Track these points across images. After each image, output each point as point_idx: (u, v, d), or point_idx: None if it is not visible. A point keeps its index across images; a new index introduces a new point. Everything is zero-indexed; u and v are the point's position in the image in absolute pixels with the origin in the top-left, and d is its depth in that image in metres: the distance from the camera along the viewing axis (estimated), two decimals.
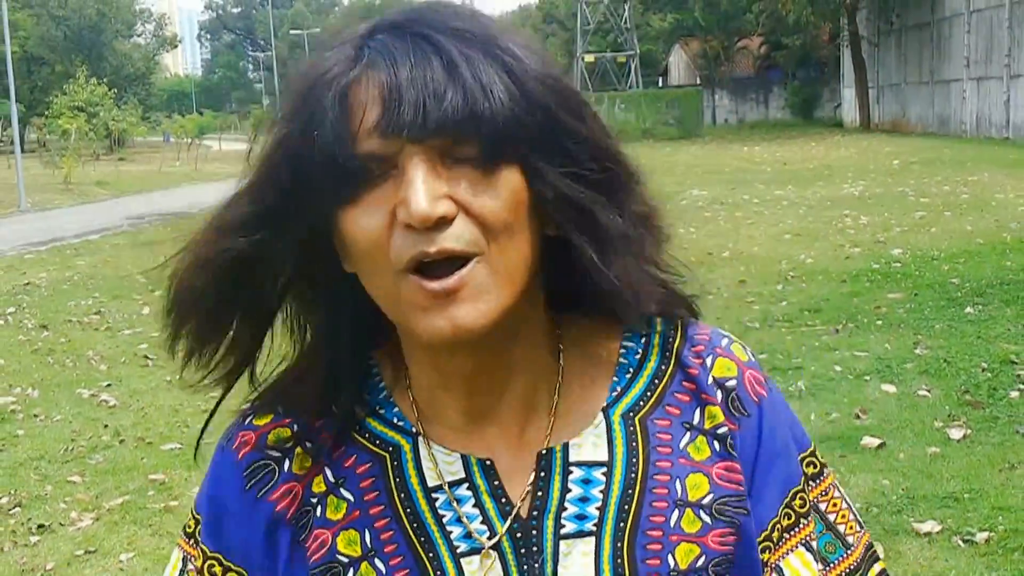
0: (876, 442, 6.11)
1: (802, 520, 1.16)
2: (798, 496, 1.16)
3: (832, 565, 1.19)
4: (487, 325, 1.00)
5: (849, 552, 1.21)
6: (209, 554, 1.17)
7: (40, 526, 5.68)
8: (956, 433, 6.16)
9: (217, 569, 1.16)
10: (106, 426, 7.52)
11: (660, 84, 69.50)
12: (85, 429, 7.48)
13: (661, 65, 72.12)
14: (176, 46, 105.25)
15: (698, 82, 64.48)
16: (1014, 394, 6.78)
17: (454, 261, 0.98)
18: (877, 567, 1.23)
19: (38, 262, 17.71)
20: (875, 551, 1.25)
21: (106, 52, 77.05)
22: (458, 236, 0.97)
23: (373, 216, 0.99)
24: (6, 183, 35.67)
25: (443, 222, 0.97)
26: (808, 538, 1.16)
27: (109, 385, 8.72)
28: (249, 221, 1.07)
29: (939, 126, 40.13)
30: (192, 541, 1.21)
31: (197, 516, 1.21)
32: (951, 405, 6.72)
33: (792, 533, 1.15)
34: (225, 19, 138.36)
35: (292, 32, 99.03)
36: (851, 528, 1.22)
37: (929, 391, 7.03)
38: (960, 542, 4.75)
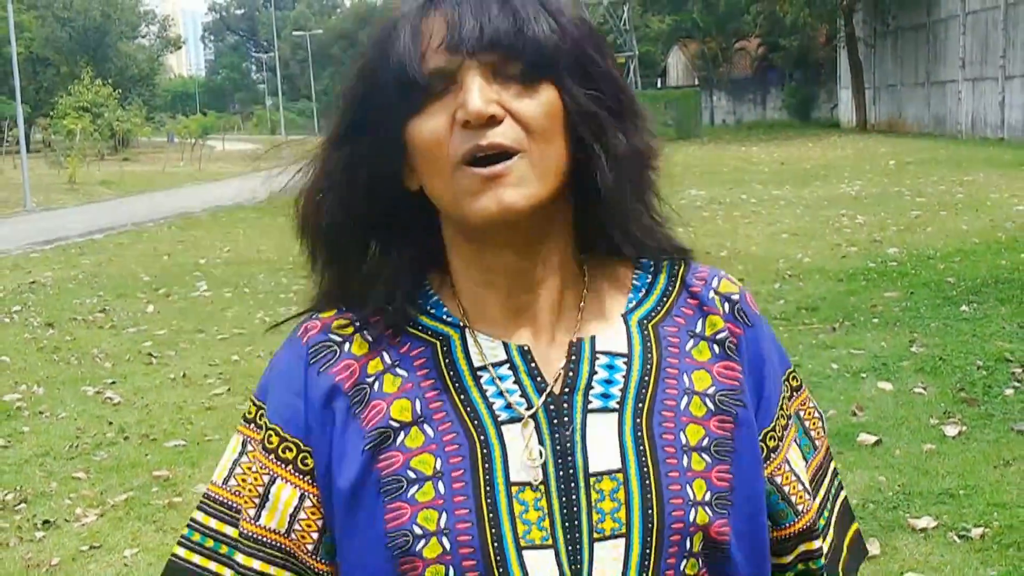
0: (872, 439, 6.11)
1: (789, 424, 1.38)
2: (788, 397, 1.40)
3: (808, 461, 1.42)
4: (526, 208, 1.17)
5: (817, 451, 1.45)
6: (269, 426, 1.30)
7: (45, 522, 5.69)
8: (951, 430, 6.17)
9: (275, 439, 1.29)
10: (110, 423, 7.52)
11: (659, 85, 69.51)
12: (90, 426, 7.49)
13: (660, 66, 72.12)
14: (180, 47, 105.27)
15: (696, 83, 64.46)
16: (1009, 392, 6.79)
17: (501, 156, 1.16)
18: (834, 464, 1.51)
19: (43, 261, 17.72)
20: (831, 452, 1.52)
21: (111, 53, 77.02)
22: (504, 133, 1.16)
23: (437, 120, 1.18)
24: (12, 183, 35.68)
25: (493, 121, 1.16)
26: (795, 439, 1.40)
27: (114, 382, 8.73)
28: (341, 136, 1.27)
29: (935, 127, 40.13)
30: (252, 426, 1.34)
31: (258, 403, 1.35)
32: (947, 402, 6.73)
33: (788, 430, 1.38)
34: (228, 20, 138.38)
35: (295, 33, 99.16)
36: (818, 433, 1.47)
37: (925, 389, 7.04)
38: (955, 538, 4.75)
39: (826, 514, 1.44)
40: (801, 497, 1.37)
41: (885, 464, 5.74)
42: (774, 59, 59.94)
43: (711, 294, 1.34)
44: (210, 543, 1.34)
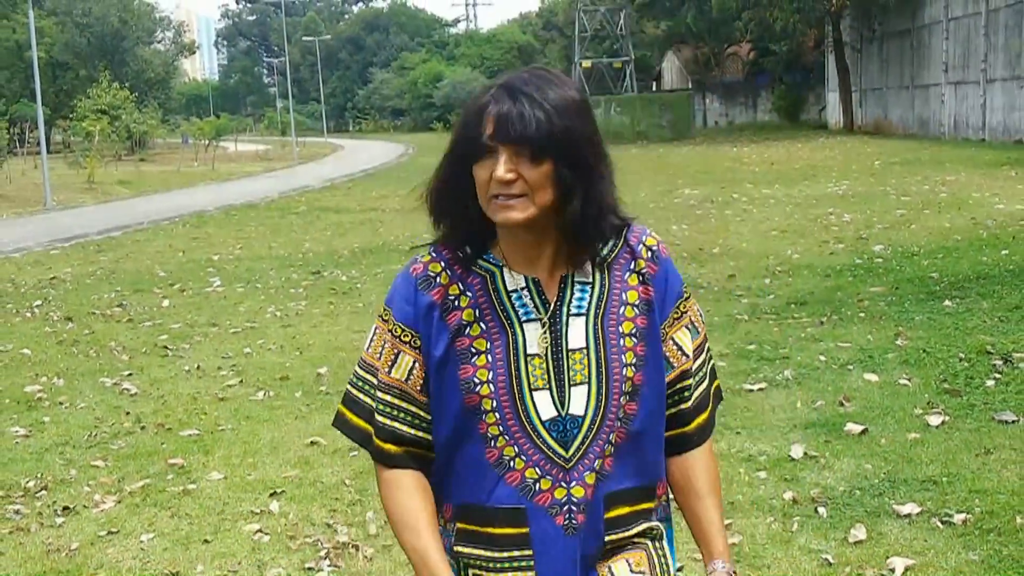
0: (859, 428, 6.11)
1: (683, 316, 2.21)
2: (680, 304, 2.20)
3: (693, 340, 2.22)
4: (523, 221, 2.00)
5: (699, 334, 2.26)
6: (395, 322, 2.14)
7: (65, 508, 5.69)
8: (935, 420, 6.17)
9: (398, 330, 2.13)
10: (128, 413, 7.53)
11: (654, 88, 69.47)
12: (108, 416, 7.49)
13: (655, 70, 72.07)
14: (194, 52, 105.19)
15: (690, 86, 64.44)
16: (990, 383, 6.79)
17: (512, 197, 1.98)
18: (708, 344, 2.30)
19: (63, 258, 17.73)
20: (707, 336, 2.31)
21: (128, 58, 76.97)
22: (517, 186, 1.98)
23: (485, 171, 1.99)
24: (33, 183, 35.70)
25: (510, 181, 1.97)
26: (685, 326, 2.21)
27: (130, 374, 8.74)
28: (449, 159, 2.08)
29: (919, 128, 40.12)
30: (384, 320, 2.16)
31: (387, 308, 2.16)
32: (930, 393, 6.73)
33: (678, 322, 2.20)
34: (241, 26, 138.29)
35: (304, 38, 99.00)
36: (700, 323, 2.26)
37: (909, 380, 7.04)
38: (939, 523, 4.76)
39: (704, 370, 2.26)
40: (677, 358, 2.19)
41: (871, 452, 5.74)
42: (764, 63, 59.88)
43: (640, 247, 2.16)
44: (361, 383, 2.20)
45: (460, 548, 2.12)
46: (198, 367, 8.85)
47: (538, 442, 2.05)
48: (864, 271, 11.32)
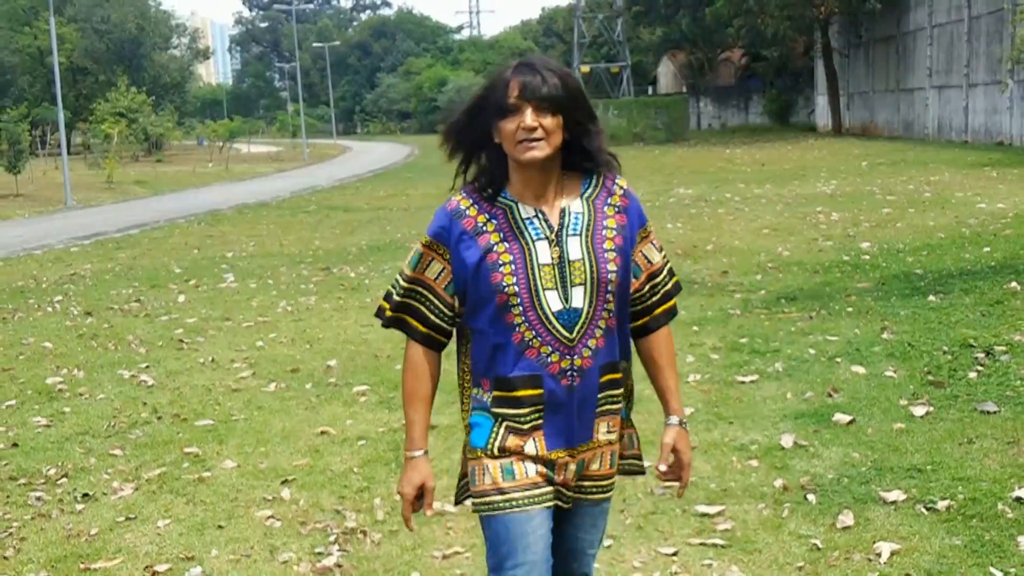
0: (847, 418, 6.10)
1: (647, 236, 2.84)
2: (644, 229, 2.83)
3: (659, 254, 2.87)
4: (542, 158, 2.62)
5: (663, 252, 2.90)
6: (429, 239, 2.74)
7: (85, 495, 5.68)
8: (919, 410, 6.16)
9: (433, 244, 2.74)
10: (145, 404, 7.52)
11: (650, 92, 69.41)
12: (126, 407, 7.49)
13: (651, 75, 72.03)
14: (209, 57, 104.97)
15: (684, 90, 64.40)
16: (972, 375, 6.78)
17: (533, 140, 2.59)
18: (667, 266, 2.93)
19: (83, 254, 17.73)
20: (667, 254, 2.93)
21: (145, 63, 76.92)
22: (537, 131, 2.59)
23: (512, 124, 2.60)
24: (54, 183, 35.70)
25: (534, 128, 2.58)
26: (651, 243, 2.85)
27: (147, 366, 8.73)
28: (468, 114, 2.71)
29: (904, 130, 40.10)
30: (423, 243, 2.75)
31: (426, 234, 2.75)
32: (915, 385, 6.72)
33: (645, 240, 2.83)
34: (254, 33, 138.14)
35: (315, 44, 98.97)
36: (660, 246, 2.89)
37: (895, 372, 7.03)
38: (923, 510, 4.75)
39: (666, 275, 2.90)
40: (645, 266, 2.84)
41: (858, 442, 5.73)
42: (756, 68, 59.86)
43: (614, 187, 2.79)
44: (399, 285, 2.82)
45: (496, 409, 2.73)
46: (212, 359, 8.85)
47: (550, 328, 2.66)
48: (851, 267, 11.30)
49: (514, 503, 2.69)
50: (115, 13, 74.37)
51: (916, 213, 15.70)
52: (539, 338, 2.66)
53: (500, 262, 2.65)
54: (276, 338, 9.62)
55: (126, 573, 4.63)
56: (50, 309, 11.98)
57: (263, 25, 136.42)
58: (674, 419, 2.86)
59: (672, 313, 2.92)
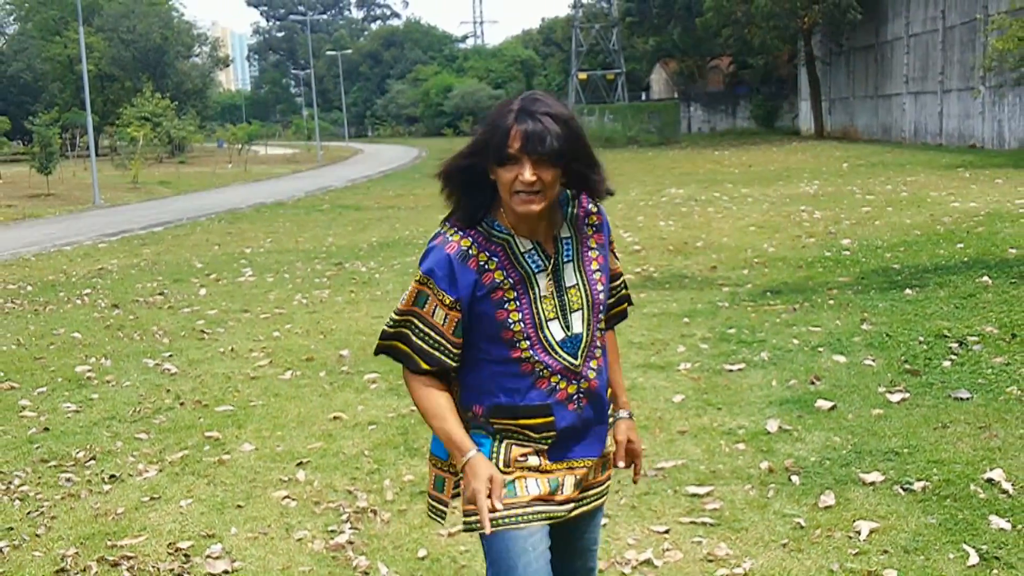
0: (828, 405, 6.10)
1: (612, 244, 2.76)
2: (611, 239, 2.77)
3: (617, 263, 2.81)
4: (539, 211, 2.47)
5: (619, 261, 2.83)
6: (436, 288, 2.53)
7: (112, 476, 5.68)
8: (896, 397, 6.15)
9: (440, 294, 2.52)
10: (168, 391, 7.52)
11: (643, 98, 69.34)
12: (150, 393, 7.49)
13: (644, 81, 71.96)
14: (228, 65, 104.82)
15: (676, 96, 64.33)
16: (946, 364, 6.77)
17: (532, 193, 2.44)
18: (622, 271, 2.89)
19: (110, 250, 17.73)
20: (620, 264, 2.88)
21: (169, 70, 76.90)
22: (536, 185, 2.43)
23: (510, 174, 2.43)
24: (83, 183, 35.71)
25: (533, 182, 2.42)
26: (612, 252, 2.76)
27: (171, 356, 8.73)
28: (468, 156, 2.51)
29: (882, 134, 40.08)
30: (424, 284, 2.54)
31: (425, 275, 2.53)
32: (893, 373, 6.71)
33: (611, 245, 2.75)
34: (271, 42, 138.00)
35: (328, 53, 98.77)
36: (618, 256, 2.82)
37: (874, 361, 7.02)
38: (900, 490, 4.74)
39: (622, 280, 2.88)
40: (614, 266, 2.77)
41: (839, 426, 5.73)
42: (743, 75, 59.82)
43: (590, 206, 2.67)
44: (399, 322, 2.60)
45: (496, 427, 2.61)
46: (232, 349, 8.84)
47: (556, 357, 2.57)
48: (833, 263, 11.29)
49: (515, 519, 2.56)
50: (141, 23, 74.39)
51: (894, 212, 15.68)
52: (548, 368, 2.55)
53: (506, 299, 2.52)
54: (292, 329, 9.62)
55: (151, 550, 4.63)
56: (79, 302, 11.98)
57: (279, 35, 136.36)
58: (624, 413, 2.84)
59: (623, 316, 2.89)
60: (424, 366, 2.58)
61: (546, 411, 2.58)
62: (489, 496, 2.48)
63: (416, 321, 2.57)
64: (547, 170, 2.42)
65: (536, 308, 2.55)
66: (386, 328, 2.63)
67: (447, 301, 2.52)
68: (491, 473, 2.51)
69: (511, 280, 2.53)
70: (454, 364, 2.60)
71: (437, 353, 2.57)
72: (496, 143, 2.42)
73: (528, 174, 2.40)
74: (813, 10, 41.49)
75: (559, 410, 2.58)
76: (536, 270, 2.56)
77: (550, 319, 2.56)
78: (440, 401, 2.59)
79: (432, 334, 2.56)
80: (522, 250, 2.55)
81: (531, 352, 2.54)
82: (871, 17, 40.09)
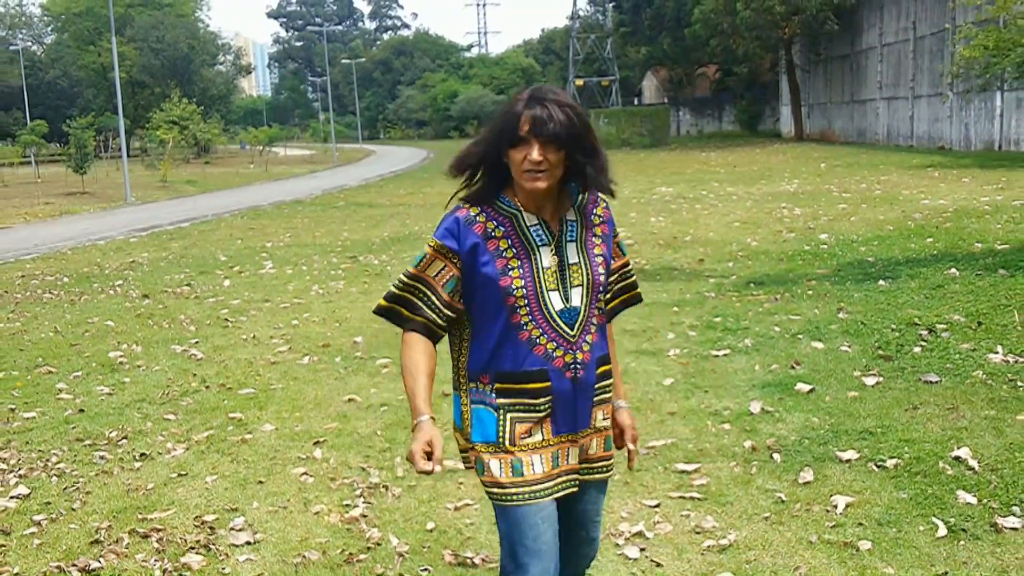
0: (807, 388, 6.09)
1: (617, 235, 2.80)
2: (616, 233, 2.79)
3: (622, 257, 2.84)
4: (545, 188, 2.53)
5: (626, 255, 2.86)
6: (438, 243, 2.60)
7: (142, 454, 5.68)
8: (871, 381, 6.14)
9: (442, 248, 2.59)
10: (194, 375, 7.52)
11: (636, 103, 69.23)
12: (178, 377, 7.48)
13: (636, 87, 71.82)
14: (250, 72, 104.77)
15: (666, 101, 64.23)
16: (917, 349, 6.76)
17: (539, 172, 2.51)
18: (631, 262, 2.91)
19: (140, 245, 17.72)
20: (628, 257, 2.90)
21: (195, 77, 76.85)
22: (543, 164, 2.49)
23: (520, 154, 2.50)
24: (115, 182, 35.69)
25: (540, 162, 2.48)
26: (619, 243, 2.81)
27: (197, 342, 8.72)
28: (482, 143, 2.59)
29: (857, 137, 39.99)
30: (431, 246, 2.61)
31: (436, 240, 2.60)
32: (867, 358, 6.70)
33: (616, 238, 2.78)
34: (289, 51, 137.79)
35: (343, 60, 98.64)
36: (625, 249, 2.86)
37: (849, 347, 7.01)
38: (874, 467, 4.73)
39: (631, 268, 2.89)
40: (618, 256, 2.81)
41: (817, 408, 5.72)
42: (728, 82, 59.67)
43: (599, 199, 2.72)
44: (400, 283, 2.65)
45: (500, 400, 2.62)
46: (253, 336, 8.84)
47: (554, 326, 2.59)
48: (811, 256, 11.27)
49: (526, 495, 2.59)
50: (169, 34, 74.38)
51: (868, 209, 15.64)
52: (545, 335, 2.58)
53: (509, 267, 2.56)
54: (309, 317, 9.61)
55: (178, 522, 4.63)
56: (112, 292, 11.97)
57: (298, 44, 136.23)
58: (623, 403, 2.87)
59: (637, 299, 2.93)
60: (416, 318, 2.63)
61: (543, 376, 2.59)
62: (429, 458, 2.50)
63: (419, 285, 2.62)
64: (553, 151, 2.48)
65: (537, 277, 2.58)
66: (393, 289, 2.67)
67: (448, 253, 2.58)
68: (431, 437, 2.51)
69: (515, 249, 2.57)
70: (440, 321, 2.63)
71: (428, 310, 2.62)
72: (508, 127, 2.50)
73: (536, 154, 2.47)
74: (793, 21, 41.36)
75: (556, 376, 2.60)
76: (540, 243, 2.59)
77: (551, 289, 2.59)
78: (418, 359, 2.62)
79: (428, 293, 2.62)
80: (528, 224, 2.60)
81: (530, 318, 2.57)
82: (847, 28, 39.99)
